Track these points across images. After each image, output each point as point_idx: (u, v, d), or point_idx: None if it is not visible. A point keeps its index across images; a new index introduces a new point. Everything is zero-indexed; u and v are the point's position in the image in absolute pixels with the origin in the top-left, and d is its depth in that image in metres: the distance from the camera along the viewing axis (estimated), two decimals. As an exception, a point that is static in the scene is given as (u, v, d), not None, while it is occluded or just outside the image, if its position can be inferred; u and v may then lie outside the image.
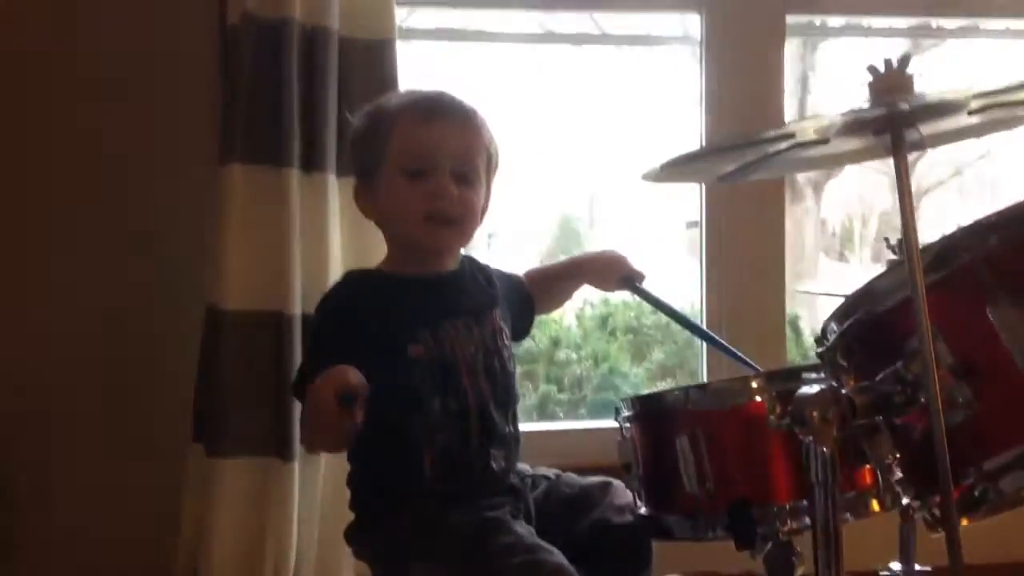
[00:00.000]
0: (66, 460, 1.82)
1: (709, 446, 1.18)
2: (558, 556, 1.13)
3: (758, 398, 1.17)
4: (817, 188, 3.93)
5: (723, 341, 1.48)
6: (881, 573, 1.38)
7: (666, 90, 2.62)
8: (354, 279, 1.36)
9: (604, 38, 2.45)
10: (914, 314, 0.87)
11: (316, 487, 1.76)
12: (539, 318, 1.57)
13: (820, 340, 1.02)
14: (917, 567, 1.37)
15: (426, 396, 1.24)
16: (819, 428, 0.87)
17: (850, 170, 4.33)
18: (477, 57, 2.26)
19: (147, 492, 1.80)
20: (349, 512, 1.37)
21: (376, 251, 1.75)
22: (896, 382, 0.89)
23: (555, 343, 2.37)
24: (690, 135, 2.16)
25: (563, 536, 1.26)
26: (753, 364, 1.39)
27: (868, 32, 2.62)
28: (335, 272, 1.75)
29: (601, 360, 2.37)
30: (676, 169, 1.00)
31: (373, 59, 1.78)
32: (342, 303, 1.31)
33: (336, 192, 1.77)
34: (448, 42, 2.21)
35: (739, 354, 1.42)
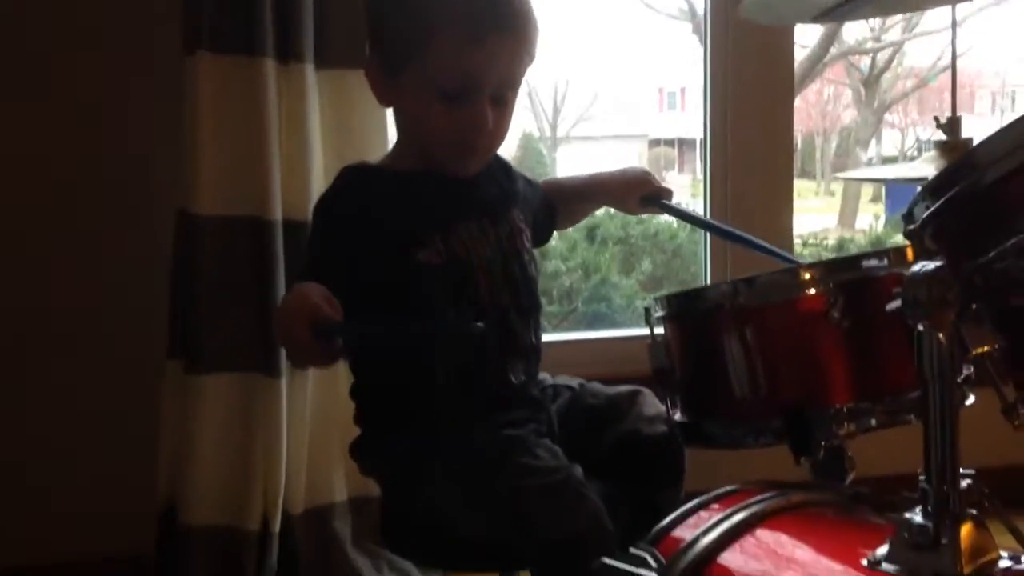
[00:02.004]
0: (37, 382, 1.63)
1: (760, 345, 1.01)
2: (582, 482, 0.98)
3: (812, 291, 1.01)
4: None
5: (764, 243, 1.32)
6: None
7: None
8: (353, 177, 1.12)
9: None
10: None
11: (305, 402, 1.57)
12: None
13: (907, 218, 0.85)
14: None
15: (439, 306, 1.05)
16: (936, 311, 0.71)
17: (812, 85, 4.21)
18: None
19: (121, 414, 1.62)
20: (342, 427, 1.21)
21: (364, 149, 1.56)
22: (1018, 256, 0.73)
23: (542, 254, 2.20)
24: (664, 46, 1.97)
25: (589, 449, 1.10)
26: (797, 260, 1.23)
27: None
28: (317, 174, 1.54)
29: (591, 271, 2.20)
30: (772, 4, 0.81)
31: (354, -65, 1.54)
32: (342, 204, 1.09)
33: (316, 85, 1.54)
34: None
35: (784, 253, 1.25)
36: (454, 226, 1.08)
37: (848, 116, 4.47)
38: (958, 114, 1.18)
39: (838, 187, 4.34)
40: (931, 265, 0.73)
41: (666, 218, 2.52)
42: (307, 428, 1.59)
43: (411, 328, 0.99)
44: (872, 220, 3.94)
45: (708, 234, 1.89)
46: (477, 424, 1.04)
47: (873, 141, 4.24)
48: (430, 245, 1.05)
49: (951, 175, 0.83)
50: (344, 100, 1.56)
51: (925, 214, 0.84)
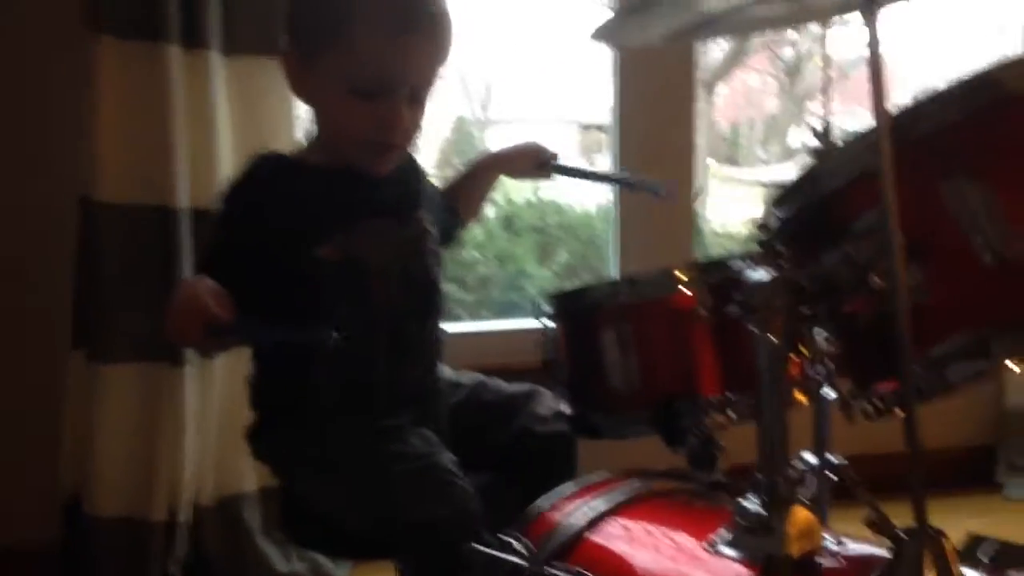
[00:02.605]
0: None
1: (636, 340, 1.09)
2: (452, 469, 1.03)
3: (685, 289, 1.08)
4: (709, 89, 3.87)
5: (640, 179, 1.41)
6: (793, 463, 1.34)
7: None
8: (263, 167, 1.13)
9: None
10: (865, 192, 0.78)
11: (212, 391, 1.60)
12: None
13: (761, 228, 0.93)
14: (832, 458, 1.34)
15: (331, 301, 1.10)
16: (768, 315, 0.79)
17: (738, 73, 4.31)
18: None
19: (22, 405, 1.61)
20: (249, 416, 1.22)
21: (271, 139, 1.58)
22: (845, 265, 0.81)
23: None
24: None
25: (484, 444, 1.17)
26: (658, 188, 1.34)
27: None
28: (225, 162, 1.56)
29: (506, 260, 2.26)
30: (630, 21, 0.87)
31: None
32: (249, 193, 1.12)
33: (222, 72, 1.56)
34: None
35: (652, 184, 1.35)
36: (356, 224, 1.10)
37: (773, 104, 4.59)
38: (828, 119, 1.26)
39: (763, 174, 4.46)
40: (764, 273, 0.80)
41: (581, 207, 2.59)
42: (215, 417, 1.62)
43: (277, 333, 1.02)
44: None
45: (617, 219, 1.97)
46: (360, 416, 1.09)
47: (796, 129, 4.37)
48: (331, 240, 1.09)
49: (796, 186, 0.91)
50: (252, 87, 1.59)
51: (775, 223, 0.91)
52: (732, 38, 2.10)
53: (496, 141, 4.44)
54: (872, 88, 0.75)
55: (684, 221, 1.98)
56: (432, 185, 1.28)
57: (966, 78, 0.81)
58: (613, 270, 1.99)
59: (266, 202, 1.09)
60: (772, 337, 0.80)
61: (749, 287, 0.80)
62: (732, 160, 4.60)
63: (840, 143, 0.93)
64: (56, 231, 1.55)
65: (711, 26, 0.92)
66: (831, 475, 1.31)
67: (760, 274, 0.80)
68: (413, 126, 1.11)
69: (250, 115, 1.58)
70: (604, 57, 1.99)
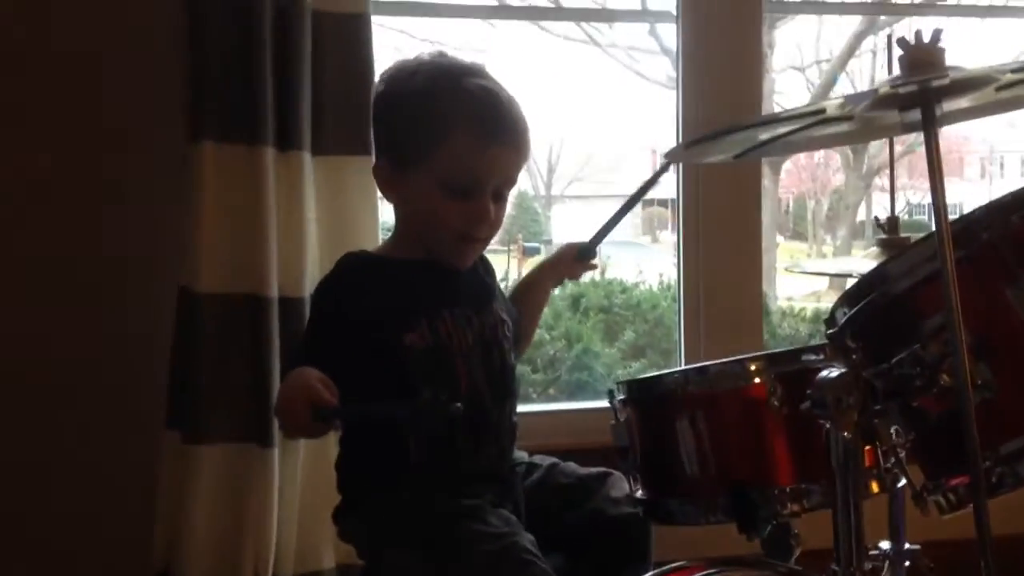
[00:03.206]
0: (34, 451, 1.72)
1: (709, 429, 1.14)
2: (531, 550, 1.09)
3: (758, 380, 1.13)
4: (775, 167, 3.93)
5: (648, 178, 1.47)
6: (870, 552, 1.36)
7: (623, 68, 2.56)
8: (351, 264, 1.27)
9: (560, 12, 2.40)
10: (933, 294, 0.83)
11: (296, 472, 1.69)
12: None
13: (829, 323, 0.98)
14: (907, 545, 1.36)
15: (417, 385, 1.18)
16: (839, 412, 0.84)
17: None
18: (429, 30, 2.15)
19: (118, 482, 1.71)
20: (331, 496, 1.32)
21: (354, 231, 1.70)
22: (915, 364, 0.85)
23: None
24: (654, 111, 2.10)
25: (557, 526, 1.22)
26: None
27: (823, 8, 2.61)
28: (312, 253, 1.68)
29: (574, 340, 2.33)
30: (699, 148, 0.95)
31: (347, 33, 1.68)
32: (338, 290, 1.24)
33: (311, 171, 1.68)
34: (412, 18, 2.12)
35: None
36: (440, 313, 1.21)
37: (838, 179, 4.61)
38: (903, 208, 1.31)
39: (829, 249, 4.47)
40: (835, 372, 0.85)
41: (647, 286, 2.65)
42: (297, 496, 1.70)
43: (398, 411, 1.11)
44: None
45: (681, 297, 2.01)
46: (441, 495, 1.16)
47: (864, 204, 4.37)
48: (417, 329, 1.18)
49: (866, 284, 0.96)
50: (337, 184, 1.71)
51: (843, 319, 0.97)
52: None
53: (559, 217, 4.54)
54: (933, 201, 0.81)
55: (752, 299, 2.01)
56: (499, 285, 1.38)
57: (1025, 188, 0.86)
58: (679, 349, 2.04)
59: (355, 296, 1.20)
60: (845, 433, 0.84)
61: (821, 383, 0.85)
62: (797, 235, 4.62)
63: (906, 243, 0.99)
64: (156, 319, 1.66)
65: (775, 147, 0.99)
66: (906, 562, 1.33)
67: (832, 371, 0.85)
68: (497, 221, 1.24)
69: (336, 209, 1.70)
70: (666, 133, 2.06)
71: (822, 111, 0.85)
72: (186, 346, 1.63)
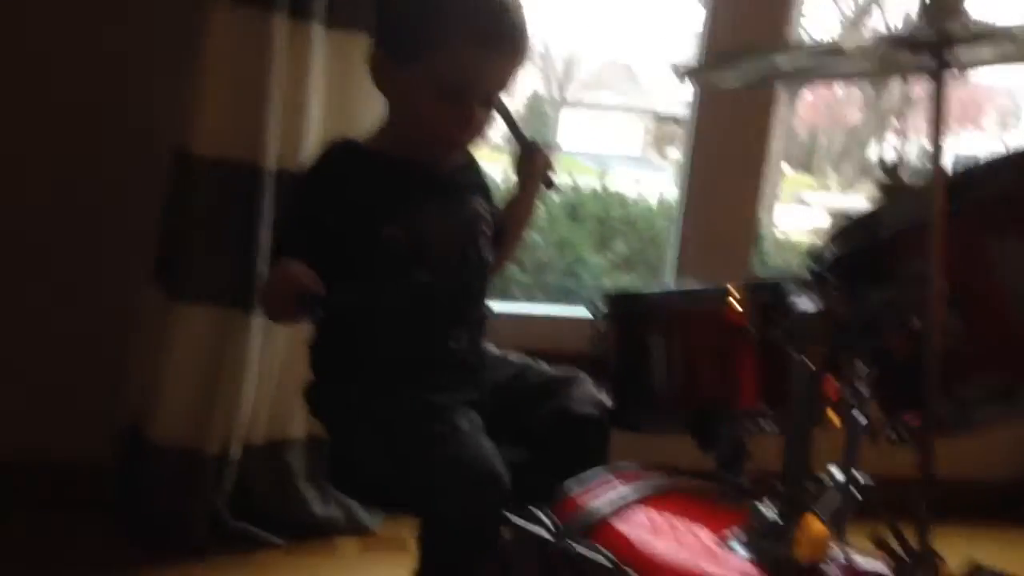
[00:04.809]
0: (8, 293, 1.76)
1: (683, 347, 1.19)
2: (492, 461, 1.11)
3: (738, 306, 1.17)
4: (793, 94, 3.89)
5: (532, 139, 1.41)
6: (820, 476, 1.43)
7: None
8: (339, 153, 1.28)
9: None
10: (918, 242, 0.86)
11: (277, 344, 1.74)
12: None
13: (816, 259, 1.01)
14: (858, 476, 1.43)
15: (394, 276, 1.22)
16: (808, 345, 0.88)
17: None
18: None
19: (93, 332, 1.75)
20: (305, 374, 1.34)
21: (359, 114, 1.69)
22: (889, 307, 0.89)
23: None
24: (681, 28, 2.07)
25: (521, 423, 1.27)
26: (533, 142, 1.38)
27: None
28: (314, 130, 1.69)
29: (566, 247, 2.36)
30: (711, 68, 0.96)
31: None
32: (324, 178, 1.25)
33: (323, 45, 1.67)
34: None
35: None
36: (420, 207, 1.23)
37: (856, 116, 4.58)
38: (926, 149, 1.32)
39: (835, 184, 4.47)
40: (811, 306, 0.89)
41: (645, 201, 2.66)
42: (275, 368, 1.76)
43: (377, 295, 1.15)
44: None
45: (679, 216, 2.02)
46: (409, 385, 1.20)
47: (877, 145, 4.36)
48: (396, 222, 1.21)
49: (856, 227, 0.99)
50: (348, 61, 1.69)
51: (830, 257, 1.00)
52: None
53: (569, 123, 4.50)
54: (933, 147, 0.83)
55: (746, 226, 2.04)
56: (489, 183, 1.39)
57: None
58: (669, 267, 2.07)
59: (339, 184, 1.22)
60: (808, 362, 0.88)
61: (795, 316, 0.89)
62: (807, 168, 4.61)
63: (905, 185, 1.01)
64: (150, 176, 1.67)
65: (791, 77, 0.99)
66: (855, 492, 1.40)
67: (807, 304, 0.89)
68: (484, 126, 1.25)
69: (342, 87, 1.69)
70: (686, 49, 2.03)
71: (839, 49, 0.85)
72: (177, 206, 1.65)
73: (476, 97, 1.21)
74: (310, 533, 1.82)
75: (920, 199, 0.92)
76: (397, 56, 1.22)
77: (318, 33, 1.65)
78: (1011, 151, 0.88)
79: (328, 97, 1.70)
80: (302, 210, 1.26)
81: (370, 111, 1.69)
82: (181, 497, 1.71)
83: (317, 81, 1.67)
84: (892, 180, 1.36)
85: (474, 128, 1.24)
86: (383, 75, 1.25)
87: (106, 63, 1.73)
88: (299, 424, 1.81)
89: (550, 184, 1.43)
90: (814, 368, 0.88)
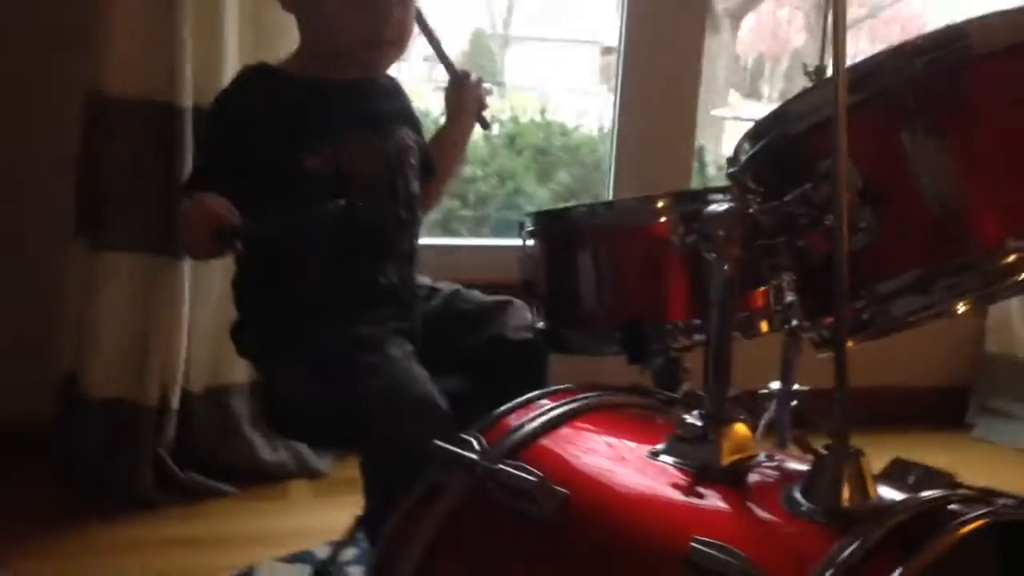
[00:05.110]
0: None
1: (611, 262, 1.17)
2: (425, 385, 1.11)
3: (663, 218, 1.16)
4: (734, 21, 3.85)
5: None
6: (761, 391, 1.45)
7: None
8: (253, 78, 1.22)
9: None
10: (828, 136, 0.84)
11: (211, 287, 1.70)
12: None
13: (731, 161, 1.00)
14: (796, 387, 1.44)
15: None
16: (723, 246, 0.86)
17: (766, 6, 4.27)
18: None
19: (22, 288, 1.71)
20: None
21: (277, 42, 1.63)
22: (803, 203, 0.87)
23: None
24: None
25: (456, 350, 1.26)
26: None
27: None
28: (231, 64, 1.63)
29: (507, 178, 2.32)
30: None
31: None
32: (238, 104, 1.20)
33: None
34: None
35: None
36: (343, 136, 1.19)
37: (800, 40, 4.55)
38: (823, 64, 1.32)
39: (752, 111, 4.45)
40: (724, 206, 0.87)
41: (588, 131, 2.63)
42: (212, 311, 1.72)
43: (297, 220, 1.12)
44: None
45: (614, 143, 2.01)
46: (338, 319, 1.18)
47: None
48: (319, 152, 1.17)
49: (767, 123, 0.97)
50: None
51: (744, 157, 0.98)
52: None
53: (514, 59, 4.41)
54: (834, 35, 0.81)
55: (684, 152, 2.03)
56: (414, 111, 1.35)
57: (935, 32, 0.86)
58: (609, 195, 2.06)
59: (256, 112, 1.17)
60: (724, 264, 0.87)
61: (707, 216, 0.87)
62: (755, 94, 4.58)
63: (815, 86, 0.99)
64: (63, 122, 1.61)
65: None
66: (792, 401, 1.42)
67: (720, 206, 0.87)
68: (405, 23, 1.19)
69: (257, 21, 1.63)
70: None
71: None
72: (94, 152, 1.60)
73: None
74: (261, 479, 1.81)
75: (827, 91, 0.90)
76: None
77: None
78: (918, 38, 0.86)
79: (242, 31, 1.64)
80: (216, 140, 1.22)
81: (290, 39, 1.64)
82: (122, 448, 1.69)
83: (230, 13, 1.61)
84: (815, 81, 1.35)
85: (392, 24, 1.17)
86: None
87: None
88: (241, 369, 1.79)
89: (486, 124, 1.40)
90: (727, 269, 0.87)
